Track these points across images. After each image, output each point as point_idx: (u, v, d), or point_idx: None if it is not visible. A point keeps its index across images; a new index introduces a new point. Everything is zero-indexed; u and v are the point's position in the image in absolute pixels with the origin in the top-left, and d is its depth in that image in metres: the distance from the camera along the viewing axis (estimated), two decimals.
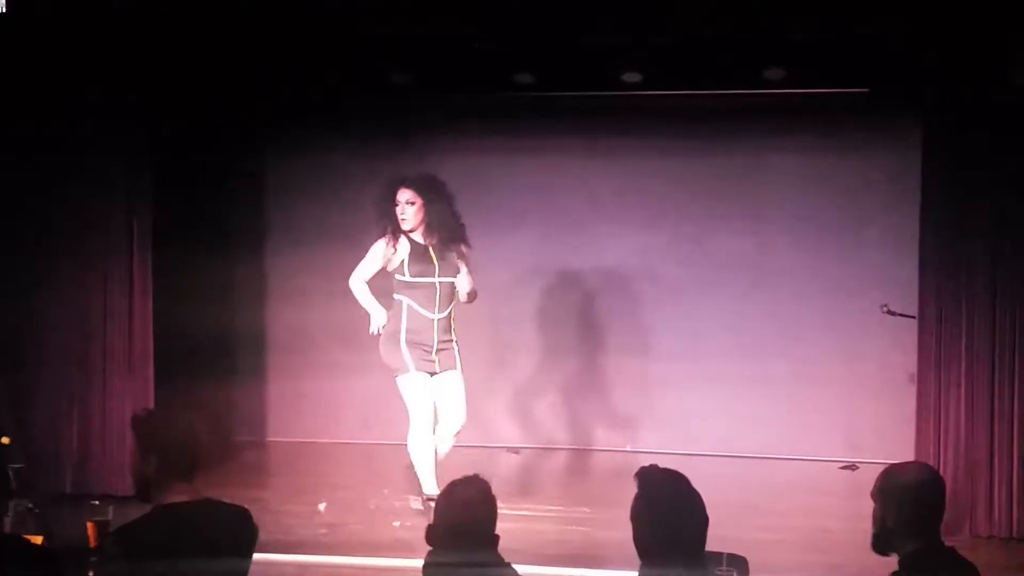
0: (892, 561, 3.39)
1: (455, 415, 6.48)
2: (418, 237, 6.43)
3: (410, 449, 6.40)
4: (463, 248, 6.48)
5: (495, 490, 3.44)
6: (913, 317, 6.63)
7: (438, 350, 6.40)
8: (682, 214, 8.22)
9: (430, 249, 6.40)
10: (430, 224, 6.39)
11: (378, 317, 6.40)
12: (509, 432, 8.31)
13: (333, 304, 8.52)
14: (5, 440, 5.30)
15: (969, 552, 3.52)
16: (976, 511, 6.32)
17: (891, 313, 7.13)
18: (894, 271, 7.47)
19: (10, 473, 3.84)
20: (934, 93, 6.42)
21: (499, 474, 6.71)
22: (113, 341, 6.98)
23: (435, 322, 6.38)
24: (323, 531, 6.39)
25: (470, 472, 3.47)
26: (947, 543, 3.43)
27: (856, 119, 7.75)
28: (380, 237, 6.43)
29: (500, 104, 7.90)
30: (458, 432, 6.50)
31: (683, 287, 8.25)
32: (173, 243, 7.27)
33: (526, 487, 6.93)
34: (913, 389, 6.62)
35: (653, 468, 3.39)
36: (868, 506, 3.47)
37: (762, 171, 8.15)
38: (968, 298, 6.36)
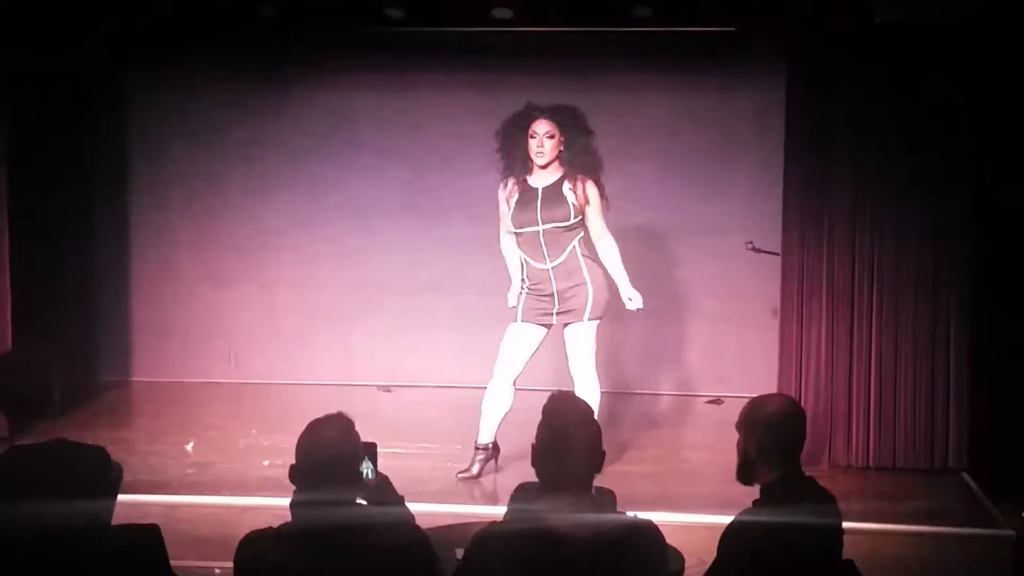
0: (755, 491, 3.48)
1: (574, 373, 6.14)
2: (543, 177, 6.08)
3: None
4: (587, 187, 6.05)
5: (366, 428, 3.43)
6: (777, 254, 6.76)
7: (562, 299, 6.05)
8: None
9: (539, 192, 6.05)
10: (562, 161, 6.05)
11: (513, 289, 6.20)
12: (382, 370, 8.29)
13: (200, 241, 8.43)
14: None
15: (828, 481, 3.63)
16: (835, 442, 6.51)
17: (756, 250, 7.25)
18: (760, 208, 7.57)
19: None
20: (798, 31, 6.51)
21: (371, 412, 6.68)
22: None
23: (550, 271, 6.06)
24: (190, 471, 6.31)
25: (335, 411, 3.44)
26: (807, 473, 3.53)
27: (723, 57, 7.83)
28: (501, 180, 6.19)
29: (369, 39, 7.79)
30: (587, 391, 5.97)
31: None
32: (31, 180, 7.05)
33: (398, 425, 6.92)
34: (777, 324, 6.78)
35: (564, 394, 3.41)
36: (733, 438, 3.55)
37: (632, 109, 8.18)
38: (829, 236, 6.50)
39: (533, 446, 3.29)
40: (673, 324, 8.17)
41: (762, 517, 3.32)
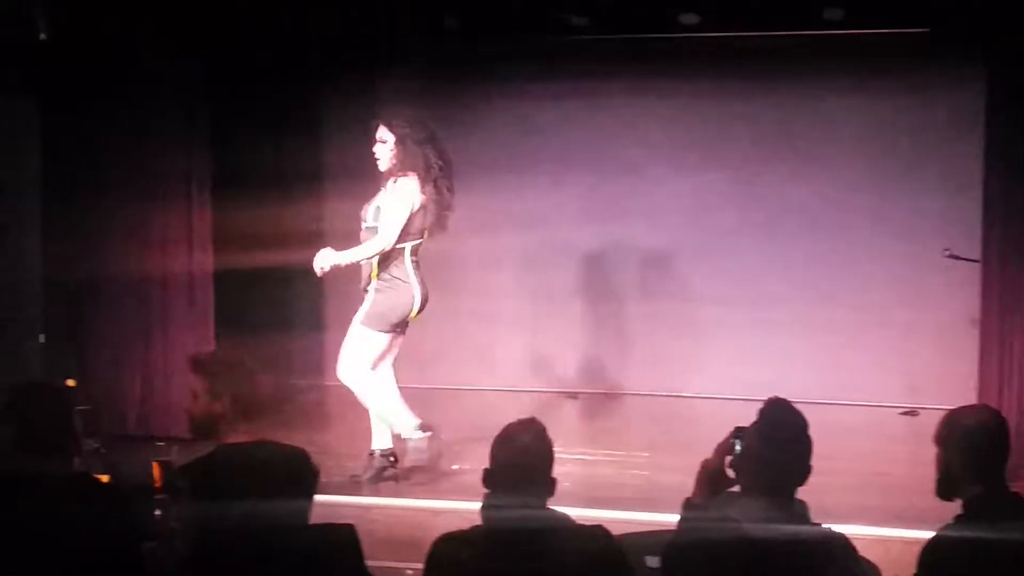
0: (952, 506, 3.37)
1: None
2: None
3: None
4: (390, 185, 6.01)
5: (553, 434, 3.44)
6: (976, 261, 6.55)
7: (363, 298, 6.17)
8: (738, 157, 8.14)
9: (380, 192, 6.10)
10: (392, 164, 6.00)
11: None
12: (567, 376, 8.32)
13: None
14: (70, 382, 5.39)
15: None
16: None
17: (955, 257, 7.02)
18: (955, 214, 7.37)
19: (76, 414, 3.92)
20: (997, 31, 6.29)
21: (557, 418, 6.74)
22: (174, 286, 7.06)
23: (361, 270, 6.14)
24: (385, 474, 6.42)
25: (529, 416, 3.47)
26: (1012, 487, 3.40)
27: (917, 59, 7.60)
28: None
29: (552, 48, 7.83)
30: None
31: (738, 231, 8.19)
32: (232, 189, 7.32)
33: (584, 432, 6.94)
34: (974, 334, 6.56)
35: (781, 401, 3.38)
36: (929, 451, 3.45)
37: (820, 113, 8.05)
38: None
39: (743, 449, 3.27)
40: (866, 332, 7.96)
41: (967, 533, 3.21)
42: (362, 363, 6.13)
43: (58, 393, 3.89)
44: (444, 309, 8.51)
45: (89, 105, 7.00)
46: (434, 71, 8.24)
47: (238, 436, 3.52)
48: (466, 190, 8.37)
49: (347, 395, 8.10)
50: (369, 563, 3.46)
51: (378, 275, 6.05)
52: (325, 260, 5.99)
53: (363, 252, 6.00)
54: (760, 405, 3.39)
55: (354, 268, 6.10)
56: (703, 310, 8.22)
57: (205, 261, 7.08)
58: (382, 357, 6.21)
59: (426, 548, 3.29)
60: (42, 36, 6.90)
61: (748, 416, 3.42)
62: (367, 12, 7.20)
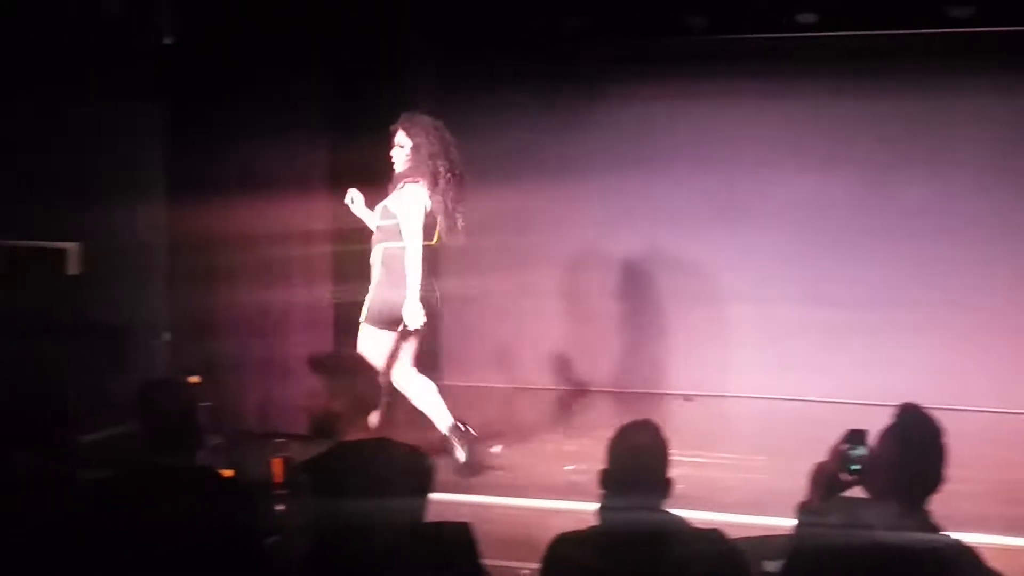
0: None
1: None
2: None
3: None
4: (401, 192, 6.07)
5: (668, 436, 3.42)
6: None
7: None
8: (862, 157, 8.01)
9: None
10: (405, 168, 6.08)
11: None
12: (684, 379, 8.27)
13: (507, 249, 8.62)
14: (194, 379, 5.49)
15: None
16: None
17: None
18: None
19: (200, 410, 4.01)
20: None
21: (672, 421, 6.68)
22: (294, 285, 7.16)
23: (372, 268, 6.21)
24: (499, 473, 6.46)
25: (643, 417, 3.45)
26: None
27: None
28: None
29: (674, 48, 7.79)
30: None
31: (863, 232, 8.05)
32: (351, 186, 7.40)
33: (699, 435, 6.87)
34: None
35: (915, 408, 3.31)
36: None
37: (946, 114, 7.88)
38: None
39: (874, 454, 3.21)
40: (995, 337, 7.77)
41: None
42: (376, 360, 6.15)
43: (183, 389, 3.99)
44: (568, 307, 8.55)
45: (212, 107, 7.14)
46: (562, 72, 8.24)
47: (356, 433, 3.56)
48: (593, 191, 8.41)
49: (462, 394, 8.19)
50: (485, 562, 3.47)
51: (377, 272, 6.13)
52: (418, 314, 6.00)
53: (414, 274, 6.00)
54: (883, 410, 3.33)
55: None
56: (824, 312, 8.10)
57: (324, 264, 7.17)
58: (394, 354, 6.18)
59: (542, 548, 3.29)
60: (166, 40, 7.08)
61: (868, 421, 3.36)
62: (482, 14, 7.24)
